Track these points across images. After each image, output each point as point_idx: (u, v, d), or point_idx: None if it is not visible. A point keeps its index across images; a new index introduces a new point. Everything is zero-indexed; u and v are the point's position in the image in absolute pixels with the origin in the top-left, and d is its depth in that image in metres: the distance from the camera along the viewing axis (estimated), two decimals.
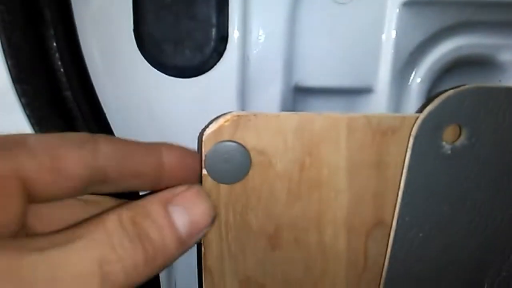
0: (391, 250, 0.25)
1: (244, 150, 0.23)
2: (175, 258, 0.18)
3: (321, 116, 0.23)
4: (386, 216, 0.25)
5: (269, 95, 0.29)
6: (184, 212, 0.18)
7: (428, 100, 0.23)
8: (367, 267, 0.26)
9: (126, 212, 0.16)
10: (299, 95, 0.30)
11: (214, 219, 0.19)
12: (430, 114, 0.22)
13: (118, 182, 0.19)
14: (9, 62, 0.20)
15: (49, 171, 0.17)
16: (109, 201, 0.21)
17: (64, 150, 0.17)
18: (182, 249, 0.18)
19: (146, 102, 0.27)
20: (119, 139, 0.20)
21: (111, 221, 0.16)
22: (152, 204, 0.17)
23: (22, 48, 0.21)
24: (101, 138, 0.19)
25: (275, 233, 0.25)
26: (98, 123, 0.25)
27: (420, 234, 0.25)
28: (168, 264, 0.17)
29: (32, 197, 0.17)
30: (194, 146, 0.27)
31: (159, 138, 0.27)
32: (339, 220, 0.25)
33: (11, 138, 0.17)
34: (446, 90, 0.23)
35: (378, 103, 0.30)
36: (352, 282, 0.27)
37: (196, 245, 0.30)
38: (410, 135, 0.23)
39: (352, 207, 0.25)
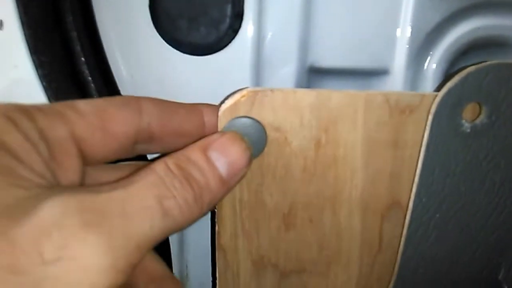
0: (407, 231, 0.25)
1: (260, 126, 0.23)
2: (220, 197, 0.19)
3: (339, 93, 0.23)
4: (402, 196, 0.25)
5: (283, 75, 0.29)
6: (221, 154, 0.19)
7: (448, 77, 0.22)
8: (382, 248, 0.26)
9: (170, 160, 0.18)
10: (313, 76, 0.30)
11: (250, 159, 0.20)
12: (449, 91, 0.22)
13: (163, 140, 0.20)
14: (26, 33, 0.20)
15: (99, 131, 0.18)
16: None
17: (110, 110, 0.18)
18: (225, 188, 0.19)
19: (160, 79, 0.27)
20: (161, 100, 0.21)
21: (160, 167, 0.17)
22: (192, 151, 0.19)
23: (39, 19, 0.21)
24: (144, 98, 0.20)
25: (289, 212, 0.25)
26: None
27: (437, 215, 0.24)
28: (214, 203, 0.19)
29: (86, 159, 0.18)
30: None
31: None
32: (355, 200, 0.25)
33: (61, 104, 0.18)
34: (466, 67, 0.22)
35: (394, 85, 0.30)
36: (366, 263, 0.27)
37: (209, 223, 0.30)
38: (428, 113, 0.23)
39: (368, 186, 0.25)
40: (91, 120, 0.18)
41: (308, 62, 0.29)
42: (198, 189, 0.18)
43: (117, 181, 0.17)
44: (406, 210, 0.25)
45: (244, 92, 0.22)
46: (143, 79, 0.26)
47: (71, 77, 0.22)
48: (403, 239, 0.25)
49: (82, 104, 0.18)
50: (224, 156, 0.19)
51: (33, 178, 0.15)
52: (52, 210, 0.14)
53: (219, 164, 0.19)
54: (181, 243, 0.31)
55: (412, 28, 0.29)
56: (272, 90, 0.22)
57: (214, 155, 0.19)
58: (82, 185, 0.18)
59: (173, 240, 0.30)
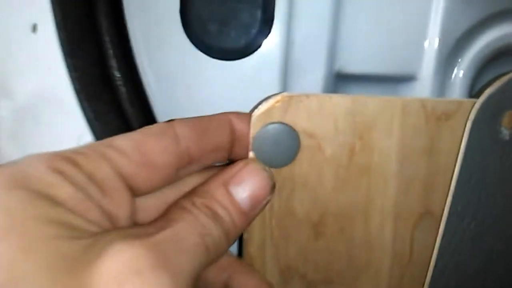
0: (441, 241, 0.24)
1: (294, 133, 0.22)
2: (245, 228, 0.20)
3: (375, 99, 0.22)
4: (435, 205, 0.24)
5: (311, 81, 0.28)
6: (243, 189, 0.20)
7: (487, 83, 0.22)
8: (413, 259, 0.26)
9: (198, 200, 0.19)
10: (340, 81, 0.29)
11: (273, 187, 0.21)
12: (490, 97, 0.21)
13: (201, 159, 0.20)
14: (62, 36, 0.20)
15: (142, 166, 0.18)
16: (193, 178, 0.22)
17: (149, 143, 0.18)
18: (249, 220, 0.20)
19: (188, 83, 0.26)
20: (191, 119, 0.21)
21: (192, 207, 0.18)
22: (216, 189, 0.20)
23: (75, 23, 0.20)
24: (176, 122, 0.20)
25: (320, 221, 0.24)
26: (140, 101, 0.25)
27: (472, 225, 0.24)
28: (239, 234, 0.20)
29: (134, 192, 0.18)
30: None
31: None
32: (387, 209, 0.24)
33: (100, 144, 0.18)
34: (504, 74, 0.22)
35: (421, 91, 0.29)
36: (396, 274, 0.26)
37: None
38: (467, 120, 0.22)
39: (401, 195, 0.24)
40: (133, 157, 0.18)
41: (336, 67, 0.29)
42: (225, 226, 0.19)
43: (160, 217, 0.18)
44: (439, 219, 0.24)
45: (278, 97, 0.22)
46: (171, 83, 0.26)
47: (104, 81, 0.22)
48: (435, 249, 0.25)
49: (121, 141, 0.18)
50: (245, 190, 0.20)
51: (89, 227, 0.15)
52: (122, 255, 0.14)
53: (241, 199, 0.20)
54: None
55: (441, 34, 0.28)
56: (307, 96, 0.22)
57: (236, 190, 0.20)
58: (133, 217, 0.18)
59: None
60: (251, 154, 0.22)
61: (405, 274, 0.26)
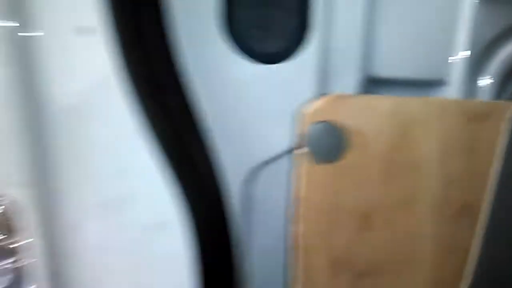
0: (481, 233, 0.26)
1: (342, 130, 0.24)
2: None
3: (416, 99, 0.24)
4: (474, 200, 0.26)
5: (344, 85, 0.30)
6: None
7: None
8: (453, 250, 0.27)
9: None
10: (372, 86, 0.31)
11: None
12: None
13: None
14: (116, 37, 0.21)
15: None
16: None
17: None
18: None
19: (231, 87, 0.28)
20: None
21: None
22: None
23: (125, 27, 0.23)
24: None
25: (366, 215, 0.26)
26: (188, 108, 0.27)
27: (510, 217, 0.25)
28: None
29: None
30: (276, 130, 0.28)
31: (244, 121, 0.29)
32: (429, 203, 0.26)
33: None
34: None
35: (451, 96, 0.31)
36: (438, 264, 0.27)
37: (284, 223, 0.30)
38: (504, 120, 0.24)
39: (442, 190, 0.26)
40: None
41: (370, 72, 0.30)
42: None
43: None
44: (478, 213, 0.26)
45: (327, 97, 0.24)
46: (210, 85, 0.28)
47: (149, 81, 0.24)
48: (476, 241, 0.26)
49: None
50: None
51: None
52: None
53: None
54: (248, 244, 0.32)
55: (469, 42, 0.30)
56: (353, 96, 0.24)
57: None
58: None
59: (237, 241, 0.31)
60: (305, 150, 0.24)
61: (445, 264, 0.27)
